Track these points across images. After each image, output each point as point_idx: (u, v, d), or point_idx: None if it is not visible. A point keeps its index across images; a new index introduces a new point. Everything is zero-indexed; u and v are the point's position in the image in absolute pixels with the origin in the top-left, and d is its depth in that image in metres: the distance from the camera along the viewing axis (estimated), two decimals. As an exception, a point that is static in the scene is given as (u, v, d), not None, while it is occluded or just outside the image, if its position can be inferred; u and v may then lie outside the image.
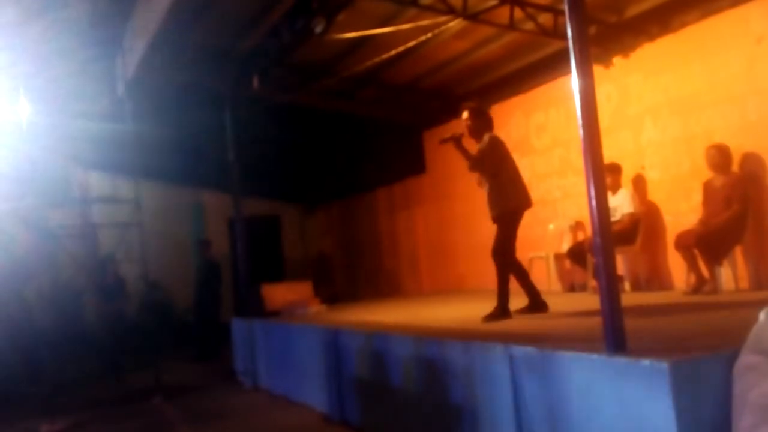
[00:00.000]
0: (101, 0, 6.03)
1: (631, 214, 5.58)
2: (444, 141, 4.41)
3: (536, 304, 4.29)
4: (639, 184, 5.97)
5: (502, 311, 4.15)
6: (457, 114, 8.56)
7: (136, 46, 6.25)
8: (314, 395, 4.88)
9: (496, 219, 4.31)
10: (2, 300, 6.28)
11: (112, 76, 6.83)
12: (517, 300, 4.34)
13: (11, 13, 5.58)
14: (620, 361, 2.30)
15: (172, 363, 7.38)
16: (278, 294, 6.52)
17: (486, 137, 4.36)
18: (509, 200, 4.27)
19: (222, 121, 6.84)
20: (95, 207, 7.10)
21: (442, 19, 5.75)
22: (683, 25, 5.58)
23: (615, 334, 2.41)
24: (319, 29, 5.55)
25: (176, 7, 5.18)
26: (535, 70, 6.95)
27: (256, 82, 6.48)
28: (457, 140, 4.31)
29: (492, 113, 8.06)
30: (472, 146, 4.43)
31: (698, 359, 2.19)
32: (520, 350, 2.76)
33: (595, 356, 2.41)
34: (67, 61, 6.55)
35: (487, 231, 7.85)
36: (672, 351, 2.33)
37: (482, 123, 4.43)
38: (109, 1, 6.09)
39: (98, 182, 7.32)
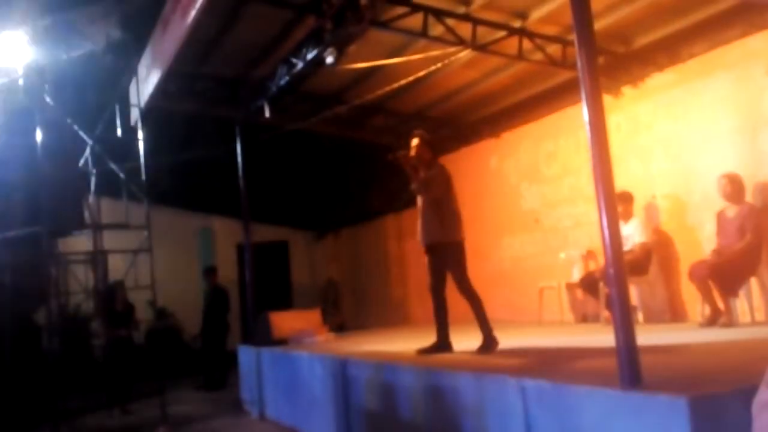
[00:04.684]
0: (117, 32, 6.17)
1: (643, 244, 5.51)
2: (393, 157, 4.39)
3: (442, 344, 4.22)
4: (650, 213, 5.92)
5: (441, 346, 4.14)
6: (466, 141, 8.60)
7: (150, 75, 6.36)
8: (322, 426, 4.80)
9: (430, 249, 4.26)
10: (11, 326, 6.28)
11: (126, 104, 6.94)
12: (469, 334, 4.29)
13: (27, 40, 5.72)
14: (636, 396, 2.25)
15: (178, 391, 7.31)
16: (286, 322, 6.45)
17: (437, 165, 4.39)
18: (454, 231, 4.23)
19: (232, 147, 6.90)
20: (106, 233, 7.13)
21: (452, 50, 5.81)
22: (692, 55, 5.61)
23: (630, 368, 2.36)
24: (330, 60, 5.63)
25: (191, 38, 5.28)
26: (544, 99, 6.99)
27: (267, 110, 6.56)
28: (406, 158, 4.32)
29: (502, 141, 8.14)
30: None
31: (717, 395, 2.14)
32: (532, 383, 2.71)
33: (610, 391, 2.36)
34: (81, 87, 6.68)
35: (497, 260, 7.83)
36: (689, 386, 2.28)
37: (429, 153, 4.44)
38: (124, 31, 6.23)
39: (109, 208, 7.36)
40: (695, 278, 4.79)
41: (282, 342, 6.21)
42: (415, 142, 4.49)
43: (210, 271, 8.53)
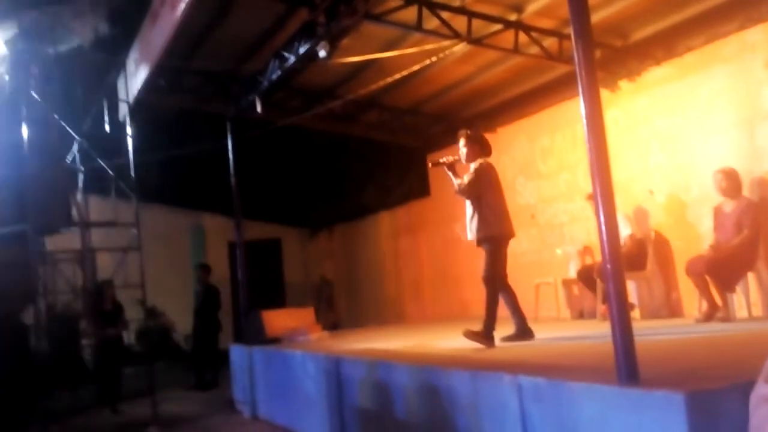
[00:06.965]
0: (105, 26, 6.07)
1: (632, 236, 5.47)
2: (435, 164, 4.49)
3: (523, 331, 4.26)
4: (647, 208, 5.87)
5: (485, 337, 4.11)
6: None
7: (139, 69, 6.25)
8: (315, 425, 4.74)
9: (480, 243, 4.33)
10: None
11: (114, 99, 6.83)
12: (504, 328, 4.28)
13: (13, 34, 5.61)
14: (633, 392, 2.22)
15: (169, 391, 7.22)
16: (279, 320, 6.37)
17: (476, 164, 4.34)
18: (490, 226, 4.27)
19: (224, 143, 6.80)
20: (94, 231, 7.02)
21: (447, 43, 5.74)
22: (689, 49, 5.56)
23: (627, 365, 2.33)
24: (323, 54, 5.55)
25: (180, 32, 5.18)
26: (540, 93, 6.94)
27: (259, 105, 6.47)
28: (448, 165, 4.37)
29: (497, 136, 8.08)
30: (466, 171, 4.42)
31: (714, 390, 2.12)
32: (528, 380, 2.66)
33: (607, 387, 2.32)
34: (69, 84, 6.57)
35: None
36: (686, 382, 2.26)
37: (476, 149, 4.42)
38: (112, 26, 6.14)
39: (98, 205, 7.26)
40: (692, 274, 4.75)
41: (275, 341, 6.13)
42: (461, 143, 4.44)
43: (202, 268, 8.39)
